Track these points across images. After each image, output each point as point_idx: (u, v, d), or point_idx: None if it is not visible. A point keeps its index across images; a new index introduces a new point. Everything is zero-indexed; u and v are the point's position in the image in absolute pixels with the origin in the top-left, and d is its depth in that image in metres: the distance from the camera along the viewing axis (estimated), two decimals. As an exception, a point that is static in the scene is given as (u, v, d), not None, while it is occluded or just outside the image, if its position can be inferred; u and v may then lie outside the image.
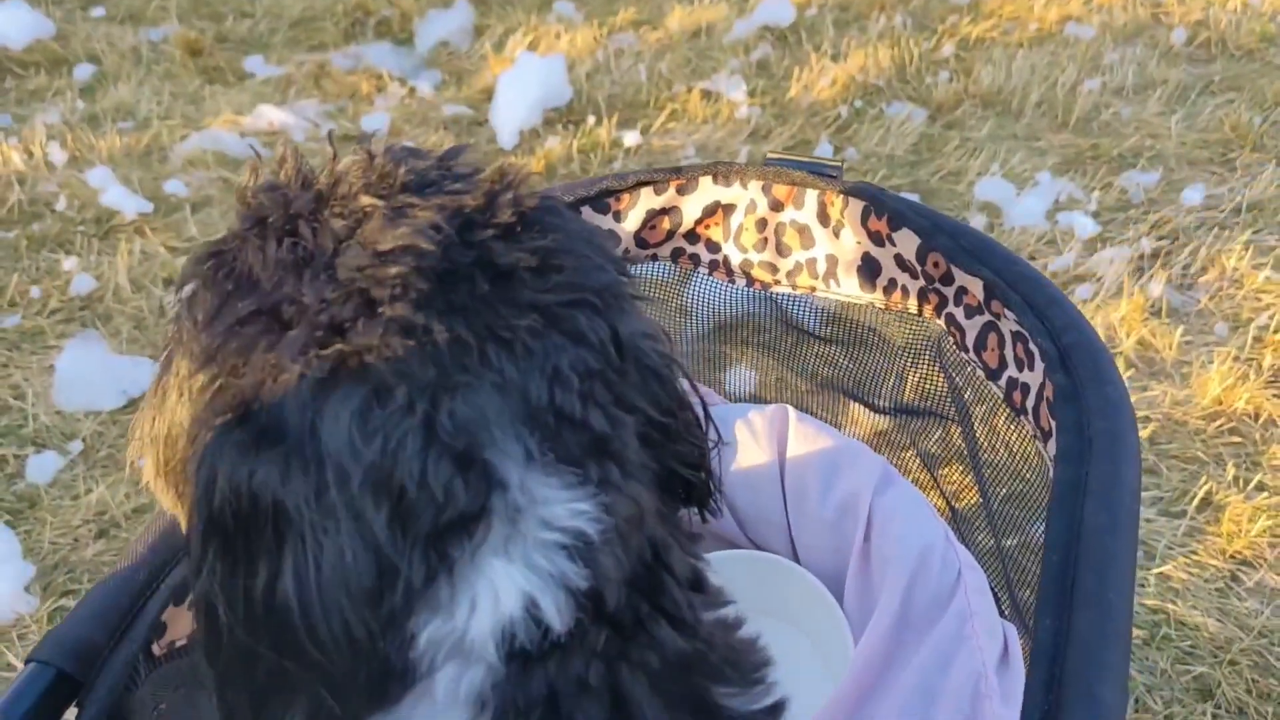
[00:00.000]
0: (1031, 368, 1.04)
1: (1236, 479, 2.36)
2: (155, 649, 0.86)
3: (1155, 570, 2.20)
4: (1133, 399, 2.42)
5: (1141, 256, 2.86)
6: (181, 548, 0.88)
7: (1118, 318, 2.73)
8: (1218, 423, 2.48)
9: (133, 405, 2.48)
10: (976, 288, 1.07)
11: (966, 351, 1.10)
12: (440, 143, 3.20)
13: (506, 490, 0.60)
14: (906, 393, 1.22)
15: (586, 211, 1.16)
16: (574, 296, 0.63)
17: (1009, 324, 1.06)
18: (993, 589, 1.20)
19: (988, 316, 1.07)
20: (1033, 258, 2.85)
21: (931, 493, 1.27)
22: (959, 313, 1.10)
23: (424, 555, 0.58)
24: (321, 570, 0.57)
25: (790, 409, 1.30)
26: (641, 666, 0.66)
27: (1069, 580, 0.83)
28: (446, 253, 0.61)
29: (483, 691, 0.62)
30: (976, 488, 1.19)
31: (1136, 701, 2.00)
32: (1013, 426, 1.09)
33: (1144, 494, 2.35)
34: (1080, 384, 0.96)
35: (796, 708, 1.17)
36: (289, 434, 0.57)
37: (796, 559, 1.29)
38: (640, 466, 0.67)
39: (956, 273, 1.08)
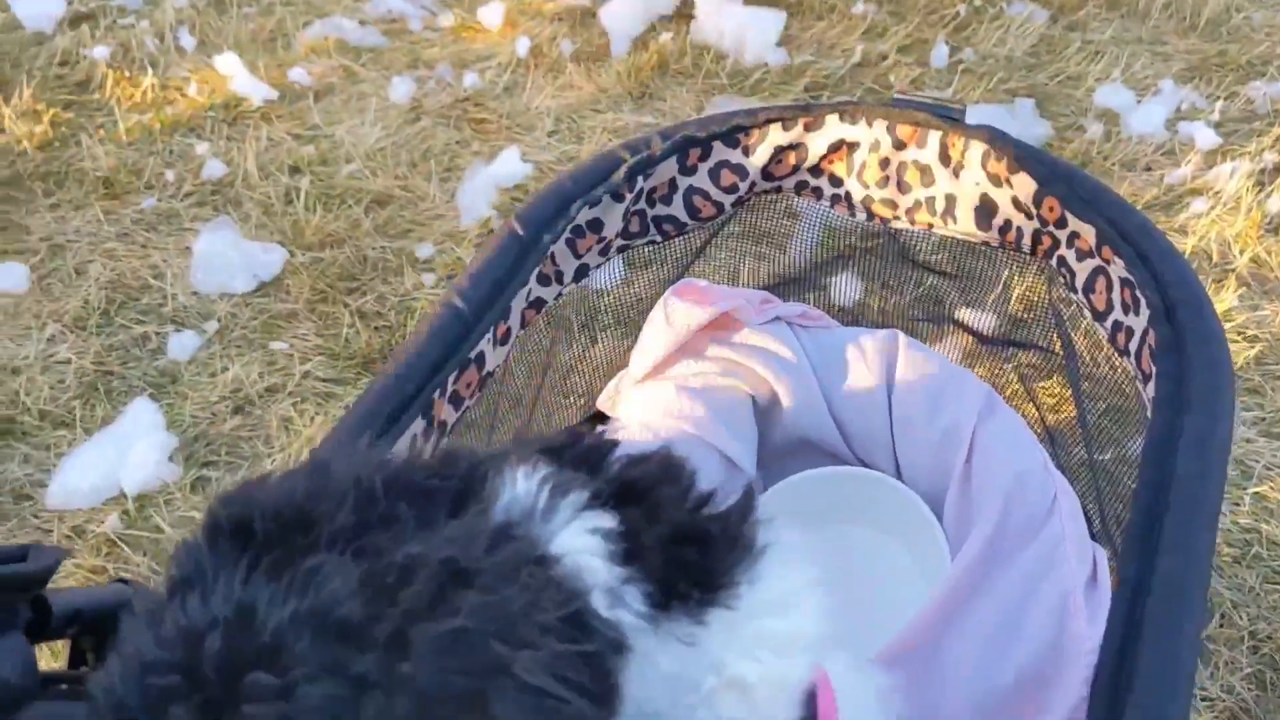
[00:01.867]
0: (1137, 313, 1.11)
1: (1341, 402, 2.39)
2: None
3: (1251, 490, 2.26)
4: (1241, 318, 2.47)
5: (1263, 171, 2.85)
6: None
7: (1233, 233, 2.74)
8: (1327, 345, 2.50)
9: (263, 289, 2.64)
10: (1089, 234, 1.14)
11: (1075, 293, 1.18)
12: (554, 36, 3.27)
13: None
14: (1010, 324, 1.30)
15: (718, 146, 1.25)
16: None
17: (1118, 270, 1.13)
18: (1084, 507, 1.30)
19: (1098, 261, 1.15)
20: (1149, 168, 2.86)
21: (1027, 406, 1.36)
22: (1070, 256, 1.17)
23: None
24: None
25: (900, 335, 1.39)
26: None
27: (1157, 525, 0.92)
28: None
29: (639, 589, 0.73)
30: (1073, 402, 1.27)
31: (1222, 617, 2.08)
32: (1113, 364, 1.16)
33: (1246, 414, 2.40)
34: (1184, 338, 1.04)
35: (895, 610, 1.29)
36: None
37: (900, 476, 1.39)
38: None
39: (1070, 218, 1.15)
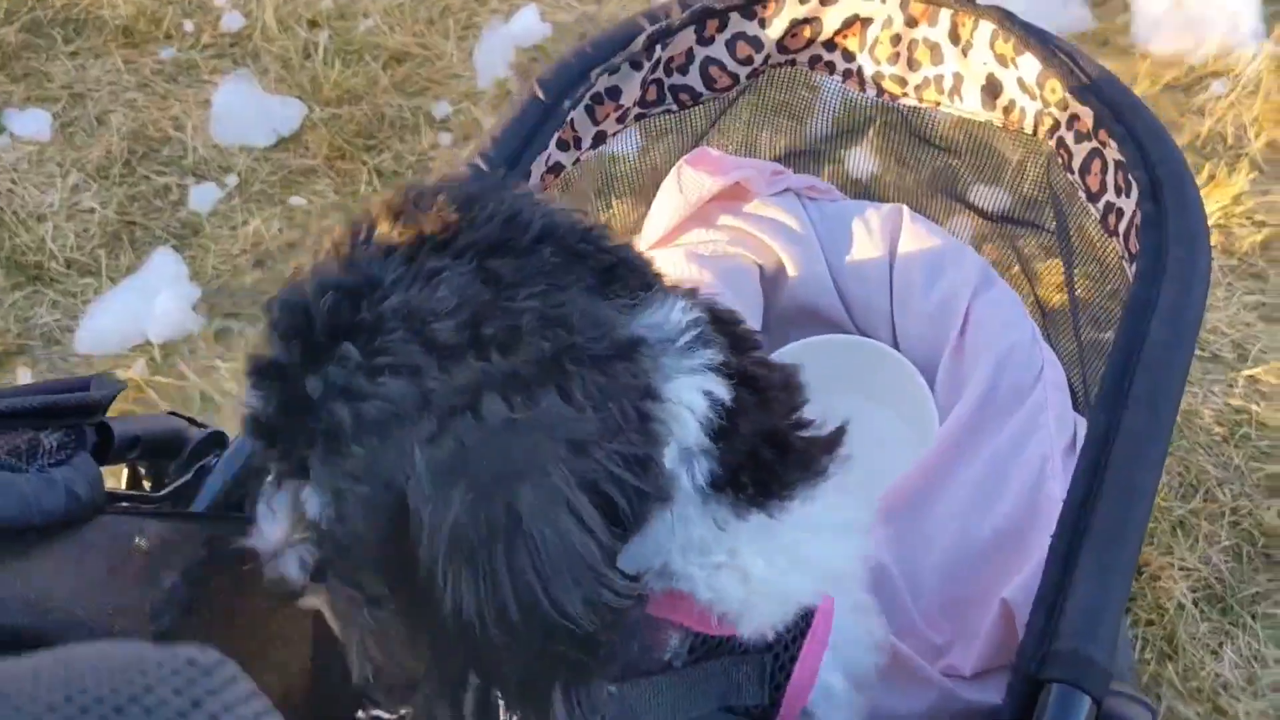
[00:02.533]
0: (1128, 195, 1.17)
1: (1341, 289, 2.45)
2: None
3: (1245, 372, 2.35)
4: (1250, 203, 2.52)
5: (1284, 52, 2.86)
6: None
7: (1250, 117, 2.77)
8: (1333, 231, 2.56)
9: (282, 144, 2.70)
10: (1087, 117, 1.20)
11: (1072, 174, 1.24)
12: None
13: None
14: (1014, 204, 1.36)
15: (735, 18, 1.30)
16: None
17: (1113, 153, 1.19)
18: (1071, 385, 1.38)
19: (1094, 143, 1.21)
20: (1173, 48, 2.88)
21: (1024, 288, 1.43)
22: (1069, 137, 1.23)
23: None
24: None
25: (905, 209, 1.45)
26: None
27: (1127, 383, 1.00)
28: None
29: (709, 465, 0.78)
30: (1066, 290, 1.34)
31: (1205, 492, 2.18)
32: (1105, 244, 1.23)
33: (1247, 298, 2.47)
34: (1165, 212, 1.11)
35: (887, 470, 1.38)
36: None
37: (897, 346, 1.48)
38: None
39: (1070, 100, 1.21)
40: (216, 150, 2.68)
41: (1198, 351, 2.40)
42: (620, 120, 1.32)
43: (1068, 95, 1.21)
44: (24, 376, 2.25)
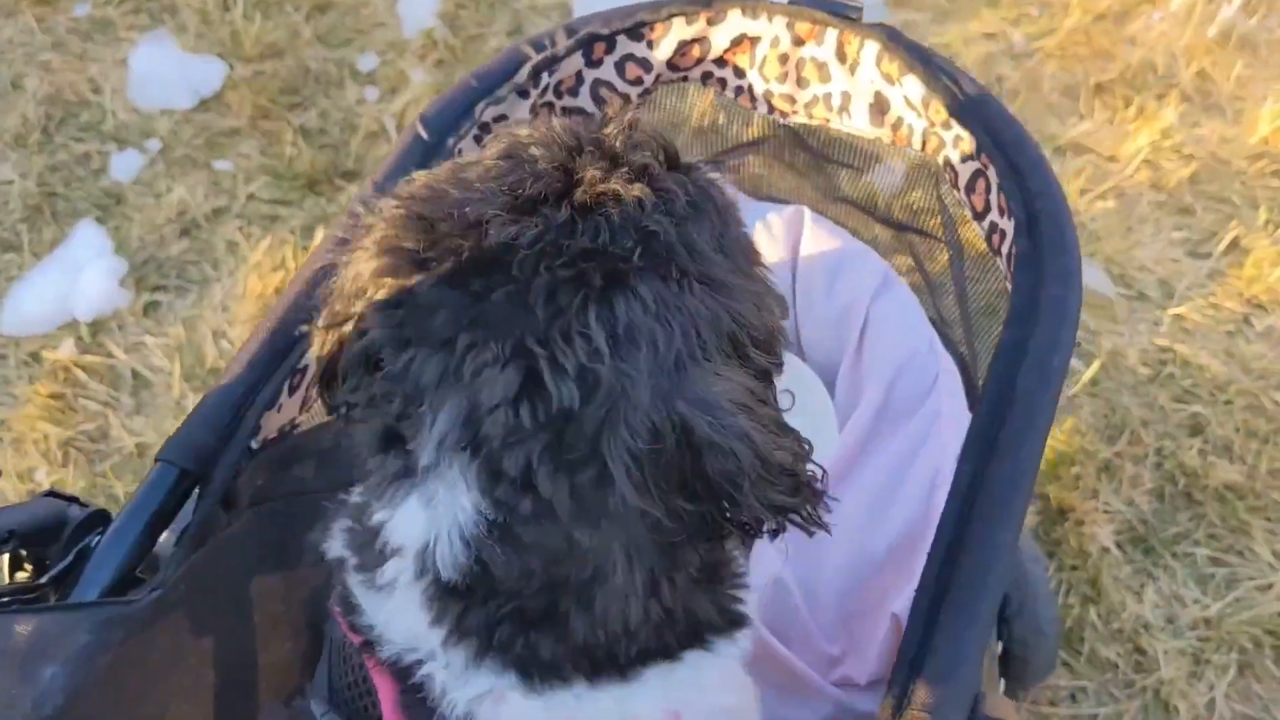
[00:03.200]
0: (1010, 218, 1.20)
1: (1268, 223, 2.50)
2: (253, 445, 1.12)
3: (1172, 310, 2.40)
4: (1180, 136, 2.54)
5: (1219, -20, 2.86)
6: (272, 360, 1.12)
7: (1181, 45, 2.78)
8: (1260, 163, 2.59)
9: (204, 105, 2.68)
10: (969, 140, 1.22)
11: (958, 190, 1.27)
12: None
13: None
14: (906, 213, 1.39)
15: (622, 40, 1.30)
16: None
17: (994, 175, 1.21)
18: (969, 386, 1.42)
19: (978, 165, 1.23)
20: (1103, -25, 2.87)
21: (921, 295, 1.47)
22: (954, 156, 1.25)
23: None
24: None
25: (807, 211, 1.48)
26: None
27: (994, 433, 1.04)
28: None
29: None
30: (957, 296, 1.38)
31: (1130, 434, 2.24)
32: (991, 260, 1.26)
33: (1175, 234, 2.51)
34: (1041, 250, 1.14)
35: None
36: None
37: (801, 352, 1.51)
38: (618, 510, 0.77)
39: (953, 123, 1.23)
40: (136, 114, 2.66)
41: (1124, 290, 2.45)
42: (512, 146, 1.33)
43: (951, 118, 1.23)
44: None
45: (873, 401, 1.38)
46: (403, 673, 0.86)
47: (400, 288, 0.79)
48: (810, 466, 0.87)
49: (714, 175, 0.87)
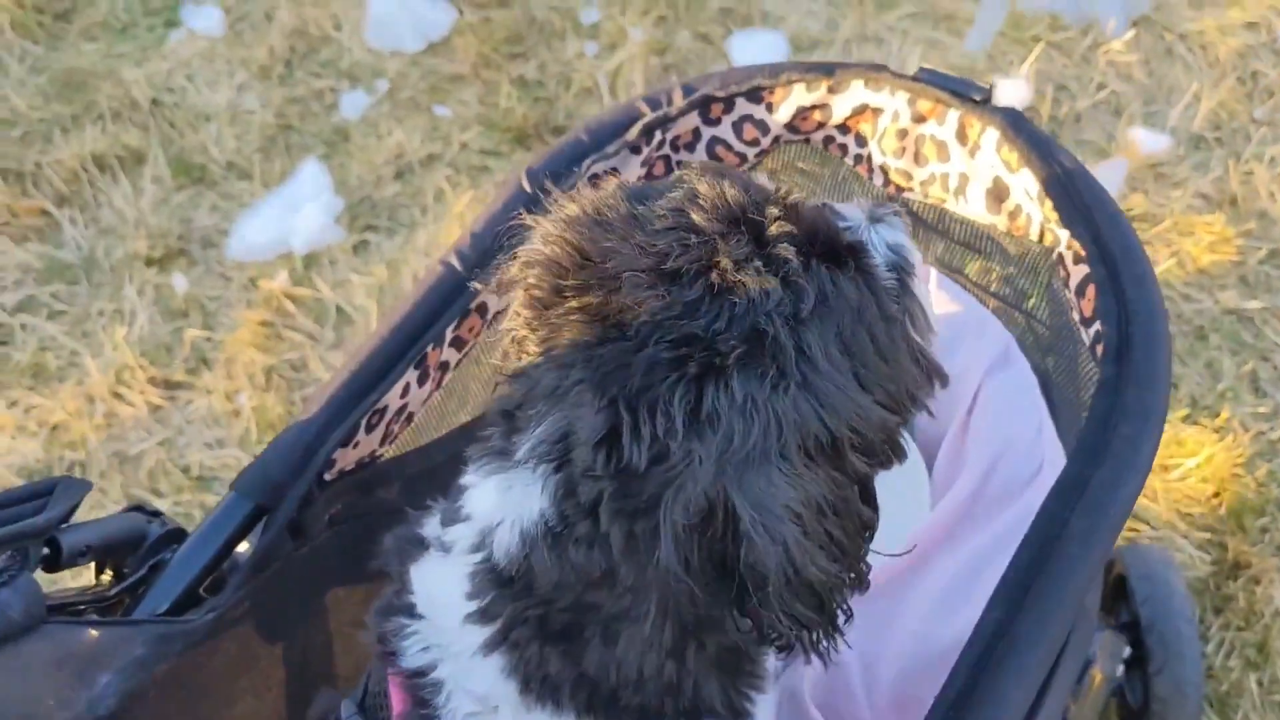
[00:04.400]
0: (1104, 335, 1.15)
1: None
2: (326, 476, 1.21)
3: None
4: None
5: None
6: (350, 400, 1.20)
7: None
8: None
9: (432, 49, 2.79)
10: (1078, 246, 1.17)
11: (1069, 291, 1.22)
12: None
13: None
14: (1018, 297, 1.34)
15: (740, 102, 1.30)
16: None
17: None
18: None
19: (1088, 269, 1.18)
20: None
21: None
22: (1068, 256, 1.20)
23: None
24: None
25: (933, 271, 1.44)
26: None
27: (1029, 579, 1.03)
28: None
29: None
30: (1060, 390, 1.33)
31: None
32: (1091, 371, 1.22)
33: None
34: (1125, 381, 1.09)
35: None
36: None
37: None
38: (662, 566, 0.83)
39: (1063, 224, 1.18)
40: (370, 54, 2.79)
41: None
42: (625, 196, 1.36)
43: (1061, 220, 1.18)
44: (179, 283, 2.48)
45: (969, 484, 1.36)
46: (415, 689, 0.95)
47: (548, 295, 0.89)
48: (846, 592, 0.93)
49: (875, 265, 0.94)
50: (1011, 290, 1.34)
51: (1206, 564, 2.09)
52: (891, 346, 0.92)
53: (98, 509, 2.25)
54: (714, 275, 0.82)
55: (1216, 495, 2.16)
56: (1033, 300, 1.33)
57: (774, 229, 0.85)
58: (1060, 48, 2.70)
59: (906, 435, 1.46)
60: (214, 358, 2.39)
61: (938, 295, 1.45)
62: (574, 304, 0.86)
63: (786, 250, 0.84)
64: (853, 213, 0.99)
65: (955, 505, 1.36)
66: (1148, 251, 2.35)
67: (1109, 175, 2.47)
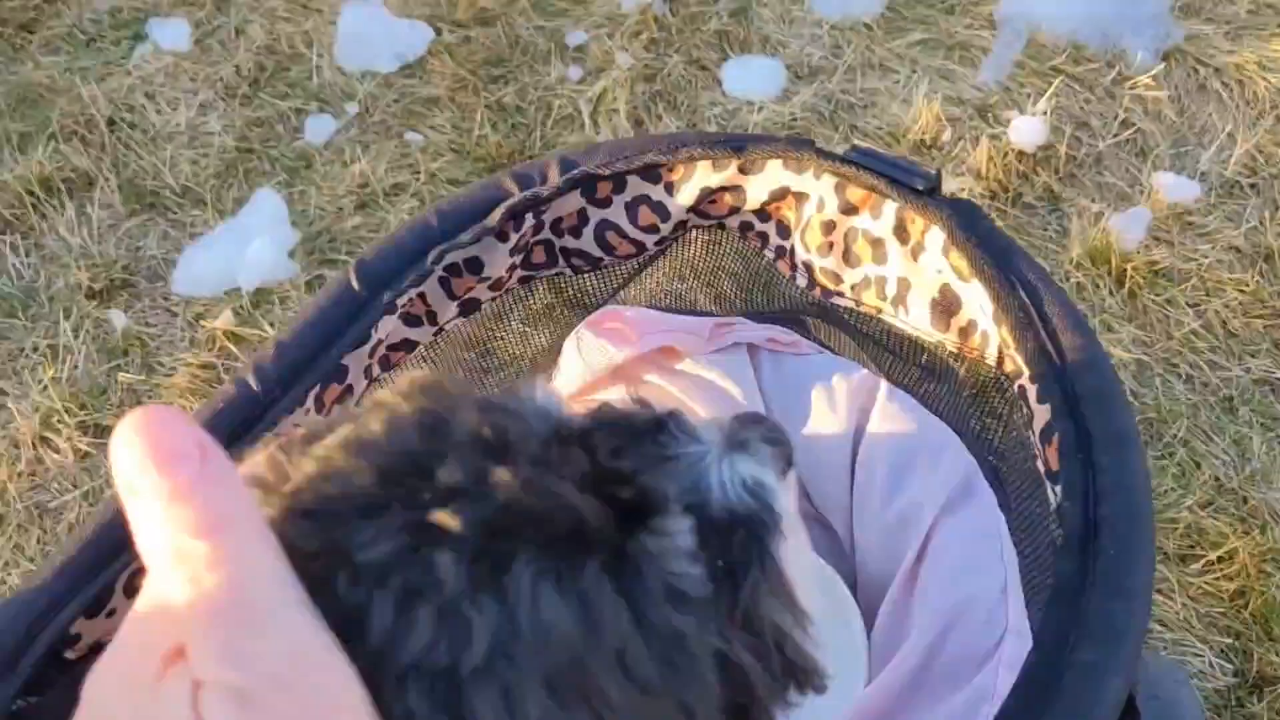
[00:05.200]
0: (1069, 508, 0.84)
1: None
2: (69, 654, 0.91)
3: None
4: None
5: None
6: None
7: None
8: None
9: (406, 70, 2.51)
10: (1044, 386, 0.86)
11: (1033, 434, 0.90)
12: None
13: None
14: (979, 426, 1.03)
15: (633, 180, 1.00)
16: None
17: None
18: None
19: (1050, 416, 0.87)
20: None
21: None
22: (1032, 391, 0.89)
23: None
24: None
25: (883, 383, 1.13)
26: None
27: None
28: None
29: None
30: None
31: None
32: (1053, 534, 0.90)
33: None
34: (1091, 584, 0.78)
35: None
36: None
37: (853, 549, 1.18)
38: None
39: (1025, 363, 0.87)
40: (341, 75, 2.52)
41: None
42: (495, 289, 1.06)
43: (1018, 354, 0.87)
44: (118, 319, 2.22)
45: (913, 657, 1.05)
46: None
47: None
48: None
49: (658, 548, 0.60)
50: (963, 421, 1.03)
51: (1227, 675, 1.78)
52: (668, 671, 0.58)
53: (11, 566, 2.01)
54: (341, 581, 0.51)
55: (1241, 595, 1.83)
56: (994, 437, 1.01)
57: (439, 514, 0.53)
58: (1082, 81, 2.35)
59: (842, 589, 1.15)
60: (150, 402, 2.12)
61: (887, 408, 1.13)
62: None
63: (442, 554, 0.52)
64: (708, 432, 0.68)
65: (895, 682, 1.04)
66: (1171, 311, 2.02)
67: (1130, 224, 2.13)
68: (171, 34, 2.60)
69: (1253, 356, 2.03)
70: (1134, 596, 0.77)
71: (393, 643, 0.50)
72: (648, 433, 0.68)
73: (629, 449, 0.66)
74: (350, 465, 0.55)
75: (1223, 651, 1.79)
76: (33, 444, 2.08)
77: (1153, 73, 2.33)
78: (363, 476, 0.54)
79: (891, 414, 1.13)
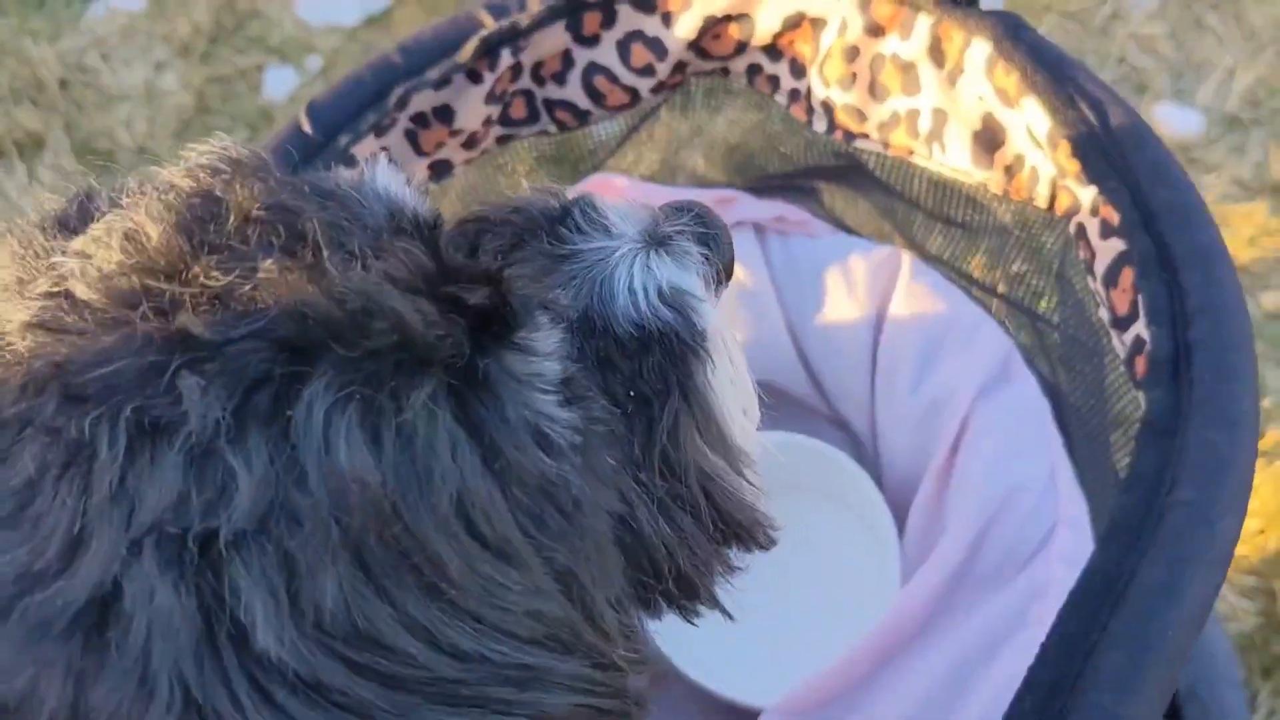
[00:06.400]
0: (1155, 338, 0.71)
1: None
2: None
3: None
4: None
5: None
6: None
7: None
8: None
9: (371, 22, 2.36)
10: (1112, 209, 0.72)
11: (1093, 279, 0.77)
12: None
13: None
14: (1011, 285, 0.89)
15: (625, 11, 0.85)
16: None
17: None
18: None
19: (1125, 245, 0.73)
20: None
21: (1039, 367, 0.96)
22: (1093, 226, 0.75)
23: None
24: None
25: (906, 256, 0.99)
26: None
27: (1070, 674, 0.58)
28: None
29: None
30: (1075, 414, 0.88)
31: None
32: (1126, 395, 0.77)
33: None
34: (1184, 417, 0.64)
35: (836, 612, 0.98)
36: None
37: (876, 446, 1.04)
38: None
39: (1086, 178, 0.73)
40: (302, 29, 2.37)
41: None
42: (469, 146, 0.91)
43: (1084, 172, 0.73)
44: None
45: (953, 552, 0.90)
46: None
47: None
48: None
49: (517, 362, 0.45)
50: (1006, 280, 0.89)
51: (1252, 615, 1.65)
52: (539, 531, 0.44)
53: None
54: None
55: (1262, 533, 1.71)
56: (1044, 302, 0.87)
57: (183, 318, 0.39)
58: (1076, 18, 2.23)
59: (867, 482, 1.01)
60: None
61: (912, 286, 0.99)
62: None
63: (187, 376, 0.38)
64: (624, 223, 0.54)
65: (933, 583, 0.90)
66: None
67: (1132, 161, 2.00)
68: (126, -6, 2.45)
69: (1263, 290, 1.91)
70: (1238, 425, 0.63)
71: (125, 495, 0.36)
72: (543, 227, 0.54)
73: (516, 247, 0.52)
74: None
75: (1245, 592, 1.67)
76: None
77: (1148, 9, 2.21)
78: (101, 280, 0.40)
79: (917, 293, 0.98)
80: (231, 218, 0.41)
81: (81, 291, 0.40)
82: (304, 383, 0.37)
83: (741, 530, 0.56)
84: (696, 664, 0.95)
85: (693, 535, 0.53)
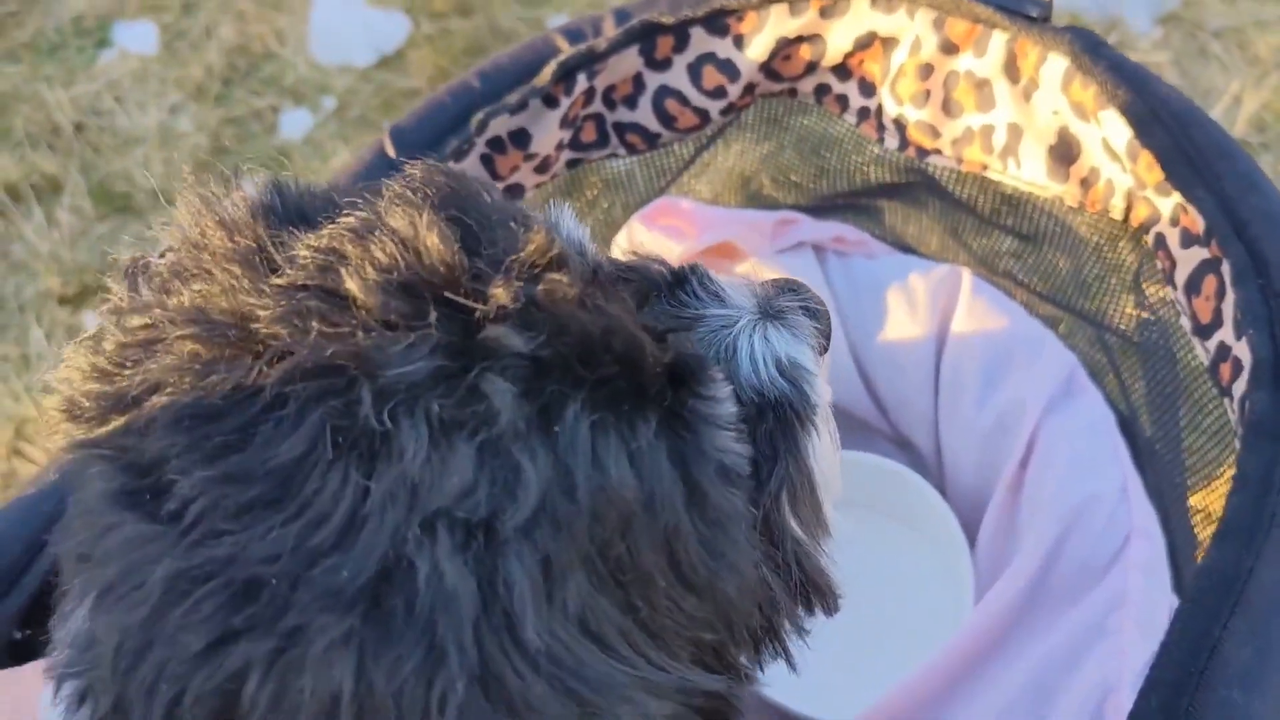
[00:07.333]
0: (1249, 346, 0.71)
1: None
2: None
3: None
4: None
5: None
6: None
7: None
8: None
9: (385, 64, 2.38)
10: (1196, 217, 0.73)
11: (1174, 288, 0.78)
12: None
13: None
14: (1084, 297, 0.90)
15: (697, 34, 0.87)
16: None
17: (1229, 273, 0.72)
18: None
19: (1209, 253, 0.74)
20: None
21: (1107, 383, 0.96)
22: (1173, 236, 0.76)
23: None
24: None
25: (966, 274, 1.00)
26: None
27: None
28: None
29: None
30: (1161, 417, 0.89)
31: None
32: (1213, 404, 0.77)
33: None
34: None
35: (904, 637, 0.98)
36: None
37: (940, 463, 1.04)
38: None
39: (1171, 189, 0.74)
40: (316, 70, 2.38)
41: None
42: (542, 170, 0.92)
43: (1169, 182, 0.74)
44: (92, 323, 2.05)
45: (1028, 566, 0.90)
46: None
47: None
48: None
49: (710, 414, 0.47)
50: (1077, 290, 0.89)
51: None
52: (715, 562, 0.46)
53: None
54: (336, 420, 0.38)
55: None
56: (1114, 312, 0.88)
57: (493, 330, 0.40)
58: (1081, 48, 2.26)
59: (937, 499, 1.01)
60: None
61: (974, 303, 1.00)
62: None
63: (496, 380, 0.39)
64: (737, 295, 0.55)
65: (1009, 597, 0.90)
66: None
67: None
68: (138, 37, 2.45)
69: None
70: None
71: (420, 479, 0.37)
72: (664, 291, 0.56)
73: (640, 306, 0.54)
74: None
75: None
76: (6, 454, 1.90)
77: (1152, 38, 2.24)
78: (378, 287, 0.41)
79: (979, 310, 0.99)
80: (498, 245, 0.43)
81: (356, 289, 0.41)
82: (565, 401, 0.39)
83: (818, 595, 0.57)
84: (771, 680, 0.94)
85: (780, 594, 0.54)
